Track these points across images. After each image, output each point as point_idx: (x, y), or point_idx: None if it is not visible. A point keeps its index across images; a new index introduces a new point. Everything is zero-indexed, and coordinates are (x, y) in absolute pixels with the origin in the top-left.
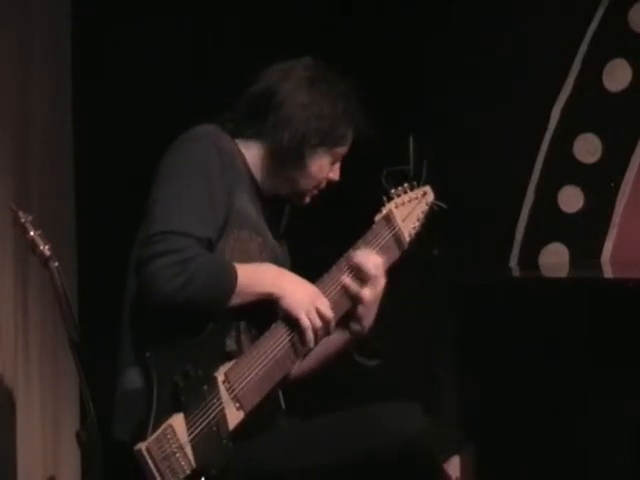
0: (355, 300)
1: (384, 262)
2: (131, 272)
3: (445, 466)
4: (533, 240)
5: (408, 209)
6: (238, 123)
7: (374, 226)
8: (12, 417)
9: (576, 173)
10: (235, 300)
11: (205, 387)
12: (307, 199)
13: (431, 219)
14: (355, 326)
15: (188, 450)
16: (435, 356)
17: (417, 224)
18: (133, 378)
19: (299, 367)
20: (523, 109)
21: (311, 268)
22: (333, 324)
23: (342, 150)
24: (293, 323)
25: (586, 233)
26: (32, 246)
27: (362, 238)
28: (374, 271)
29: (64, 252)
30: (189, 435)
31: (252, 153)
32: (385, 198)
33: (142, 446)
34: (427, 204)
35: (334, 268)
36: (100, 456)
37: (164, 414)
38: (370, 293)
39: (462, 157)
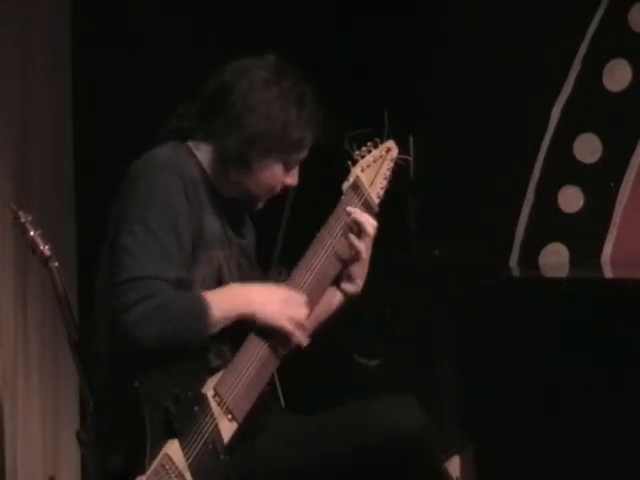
0: (353, 257)
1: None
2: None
3: (445, 466)
4: (533, 240)
5: (374, 170)
6: (192, 123)
7: (343, 197)
8: (12, 417)
9: (576, 173)
10: (212, 331)
11: (196, 408)
12: (260, 204)
13: (431, 219)
14: (350, 287)
15: (187, 476)
16: (435, 355)
17: (385, 182)
18: (120, 408)
19: None
20: (523, 109)
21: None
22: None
23: (297, 157)
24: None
25: (586, 233)
26: (32, 246)
27: (333, 214)
28: (371, 230)
29: (64, 252)
30: (186, 460)
31: (204, 156)
32: (350, 163)
33: None
34: (392, 160)
35: (323, 231)
36: (100, 456)
37: (159, 442)
38: (366, 251)
39: (462, 157)
